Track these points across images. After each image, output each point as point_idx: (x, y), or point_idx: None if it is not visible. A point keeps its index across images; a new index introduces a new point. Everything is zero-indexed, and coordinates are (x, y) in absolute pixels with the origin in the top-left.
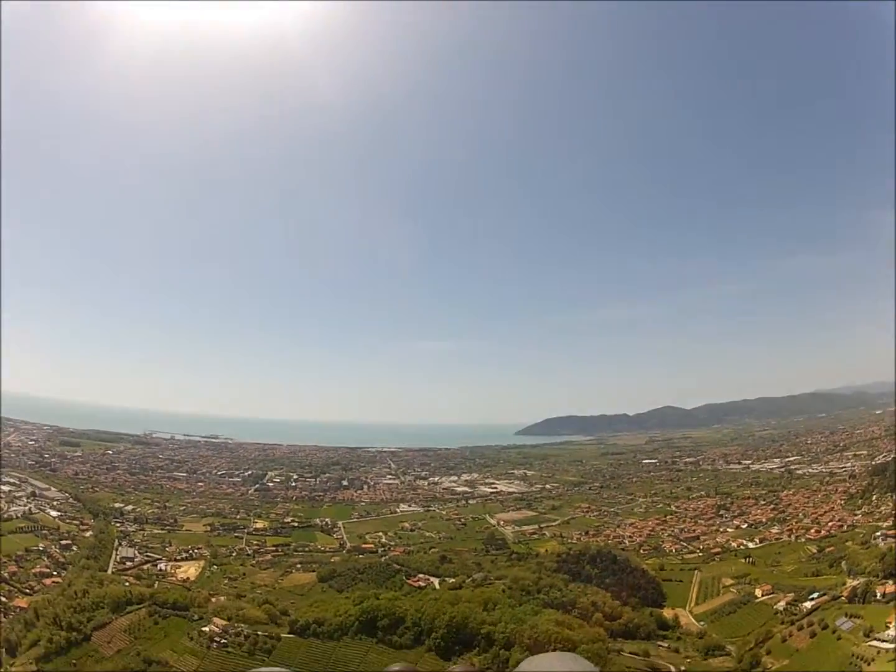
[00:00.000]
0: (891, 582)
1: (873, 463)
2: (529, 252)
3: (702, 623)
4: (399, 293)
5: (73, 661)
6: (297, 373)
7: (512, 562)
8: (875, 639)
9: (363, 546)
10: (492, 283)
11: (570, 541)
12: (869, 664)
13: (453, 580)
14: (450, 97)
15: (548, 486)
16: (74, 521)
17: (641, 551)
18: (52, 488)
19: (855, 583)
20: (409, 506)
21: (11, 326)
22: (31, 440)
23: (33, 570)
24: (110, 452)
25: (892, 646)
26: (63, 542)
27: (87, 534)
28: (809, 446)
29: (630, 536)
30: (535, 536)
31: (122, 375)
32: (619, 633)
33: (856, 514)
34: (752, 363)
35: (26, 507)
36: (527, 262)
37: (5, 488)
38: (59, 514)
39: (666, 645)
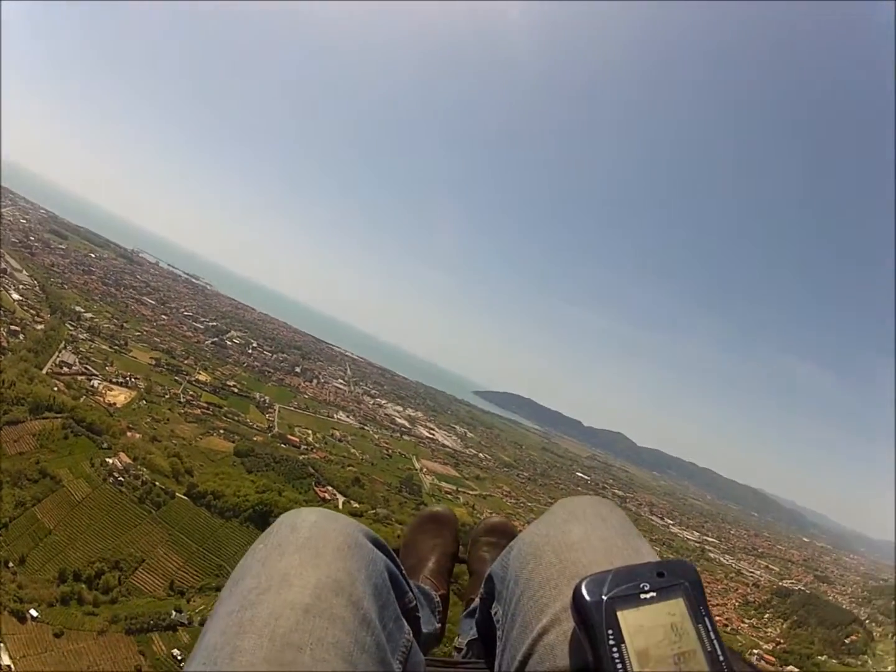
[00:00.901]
0: None
1: (780, 583)
2: (568, 239)
3: None
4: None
5: None
6: (298, 247)
7: (418, 511)
8: None
9: (289, 437)
10: (527, 244)
11: (478, 515)
12: None
13: (357, 506)
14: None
15: (481, 454)
16: (31, 311)
17: None
18: (25, 272)
19: None
20: (347, 416)
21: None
22: (24, 219)
23: None
24: (93, 255)
25: None
26: (13, 327)
27: (39, 327)
28: (731, 536)
29: None
30: (449, 496)
31: (136, 188)
32: None
33: (744, 622)
34: (716, 435)
35: None
36: (573, 246)
37: None
38: (21, 298)
39: None
